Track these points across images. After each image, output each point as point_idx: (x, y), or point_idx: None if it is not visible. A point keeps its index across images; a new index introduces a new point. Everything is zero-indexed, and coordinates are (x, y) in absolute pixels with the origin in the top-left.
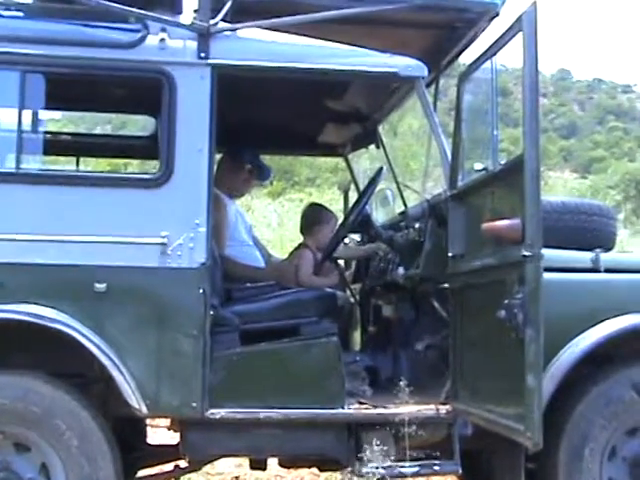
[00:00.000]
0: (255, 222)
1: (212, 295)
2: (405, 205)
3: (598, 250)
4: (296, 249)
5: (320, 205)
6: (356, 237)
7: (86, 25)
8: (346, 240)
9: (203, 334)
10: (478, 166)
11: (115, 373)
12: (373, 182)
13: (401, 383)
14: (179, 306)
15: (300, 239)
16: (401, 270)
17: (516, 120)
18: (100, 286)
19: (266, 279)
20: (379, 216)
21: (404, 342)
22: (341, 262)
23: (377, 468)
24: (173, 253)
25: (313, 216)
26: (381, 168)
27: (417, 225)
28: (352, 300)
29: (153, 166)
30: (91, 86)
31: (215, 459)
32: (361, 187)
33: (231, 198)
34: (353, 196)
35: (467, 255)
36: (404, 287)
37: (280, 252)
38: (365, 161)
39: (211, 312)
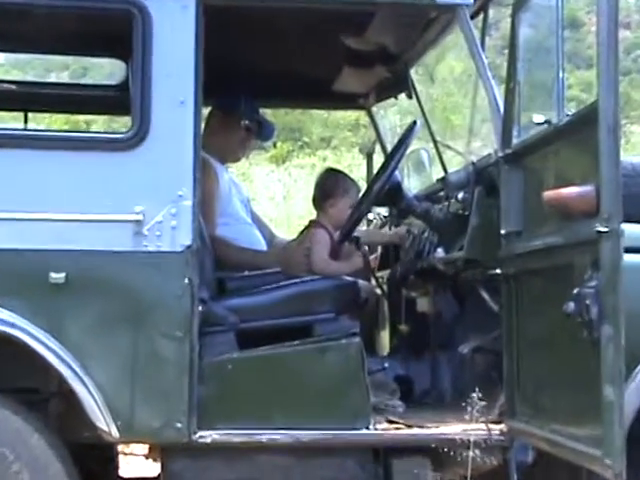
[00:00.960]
0: (254, 195)
1: (201, 286)
2: (445, 170)
3: None
4: (307, 228)
5: (337, 171)
6: (383, 211)
7: None
8: (370, 215)
9: (190, 335)
10: (538, 119)
11: (77, 386)
12: (404, 141)
13: (474, 395)
14: (159, 300)
15: (312, 215)
16: (440, 252)
17: (588, 60)
18: (57, 276)
19: (269, 265)
20: (412, 184)
21: (445, 344)
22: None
23: None
24: (150, 233)
25: (329, 185)
26: (414, 123)
27: (460, 195)
28: (378, 291)
29: (123, 123)
30: (41, 21)
31: None
32: (389, 148)
33: (223, 164)
34: (379, 160)
35: (525, 232)
36: (444, 274)
37: (287, 232)
38: (394, 115)
39: (200, 307)
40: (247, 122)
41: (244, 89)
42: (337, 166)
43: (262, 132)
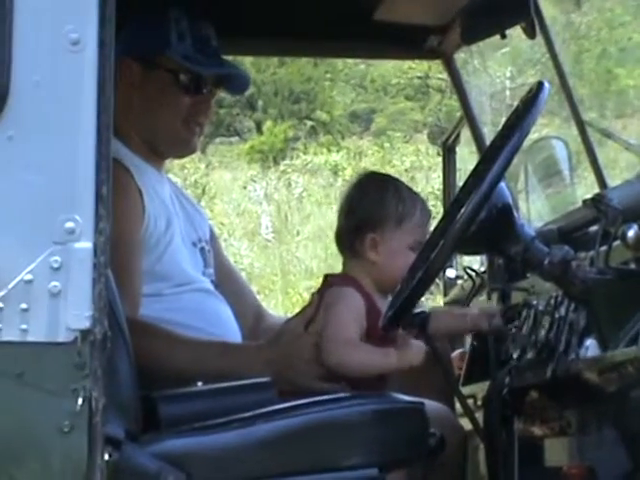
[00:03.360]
0: (222, 227)
1: (110, 413)
2: (601, 181)
3: None
4: (321, 289)
5: (386, 178)
6: (476, 263)
7: None
8: (450, 272)
9: None
10: None
11: None
12: (520, 122)
13: None
14: (23, 443)
15: (336, 265)
16: (591, 347)
17: None
18: None
19: (247, 370)
20: (534, 209)
21: None
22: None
23: None
24: (9, 307)
25: (368, 206)
26: (540, 86)
27: (632, 232)
28: (466, 424)
29: None
30: None
31: None
32: (487, 135)
33: (157, 166)
34: (468, 158)
35: None
36: (600, 392)
37: (283, 303)
38: (498, 69)
39: (106, 456)
40: (187, 74)
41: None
42: (386, 170)
43: (226, 84)
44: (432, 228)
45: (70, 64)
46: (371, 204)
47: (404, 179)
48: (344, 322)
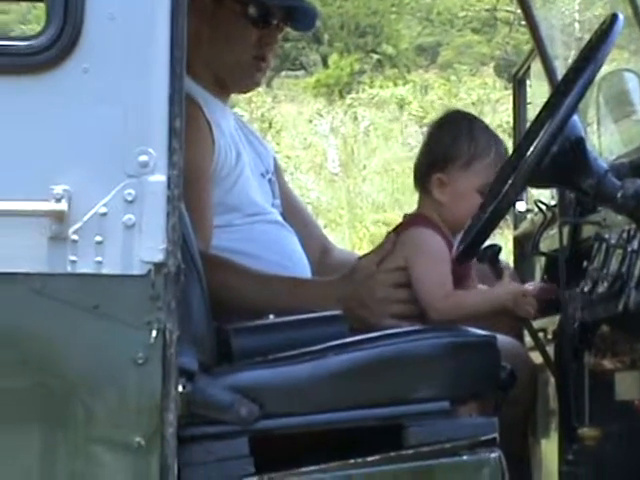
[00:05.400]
0: (288, 160)
1: (183, 345)
2: None
3: None
4: (398, 229)
5: (464, 117)
6: (546, 197)
7: None
8: (520, 205)
9: (161, 443)
10: None
11: None
12: (593, 54)
13: None
14: (97, 372)
15: (402, 199)
16: None
17: None
18: None
19: (318, 304)
20: (606, 142)
21: None
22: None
23: None
24: (83, 239)
25: (440, 144)
26: (614, 17)
27: None
28: (536, 358)
29: (34, 20)
30: None
31: None
32: (559, 69)
33: (224, 100)
34: (539, 92)
35: None
36: None
37: (352, 239)
38: (568, 3)
39: (181, 387)
40: (256, 6)
41: None
42: (452, 103)
43: (294, 20)
44: (506, 160)
45: (144, 1)
46: (443, 143)
47: (475, 111)
48: (436, 264)
